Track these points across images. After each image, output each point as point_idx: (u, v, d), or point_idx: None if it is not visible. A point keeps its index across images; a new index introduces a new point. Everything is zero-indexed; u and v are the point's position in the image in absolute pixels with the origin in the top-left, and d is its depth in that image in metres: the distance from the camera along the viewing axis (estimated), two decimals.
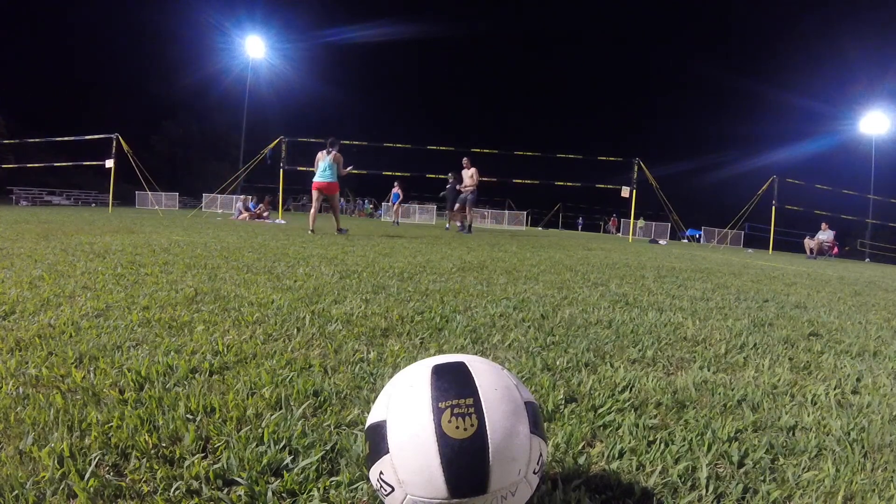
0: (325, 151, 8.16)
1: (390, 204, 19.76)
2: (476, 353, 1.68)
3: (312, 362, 1.45)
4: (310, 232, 7.86)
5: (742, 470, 1.00)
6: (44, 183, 30.61)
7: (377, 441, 0.72)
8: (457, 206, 12.53)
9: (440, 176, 19.71)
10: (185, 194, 30.58)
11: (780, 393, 1.46)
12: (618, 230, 25.73)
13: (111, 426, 1.01)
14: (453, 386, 0.72)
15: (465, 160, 12.20)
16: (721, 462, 1.03)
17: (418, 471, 0.67)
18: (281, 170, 16.11)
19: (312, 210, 8.29)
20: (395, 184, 19.49)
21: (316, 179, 8.16)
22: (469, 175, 12.04)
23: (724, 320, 2.51)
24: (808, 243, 15.90)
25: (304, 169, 19.50)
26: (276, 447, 0.96)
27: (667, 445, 1.07)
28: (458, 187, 12.33)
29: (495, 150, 16.85)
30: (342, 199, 41.38)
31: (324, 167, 8.10)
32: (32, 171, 24.48)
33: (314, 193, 8.30)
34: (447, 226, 15.35)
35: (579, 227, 27.42)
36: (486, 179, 13.36)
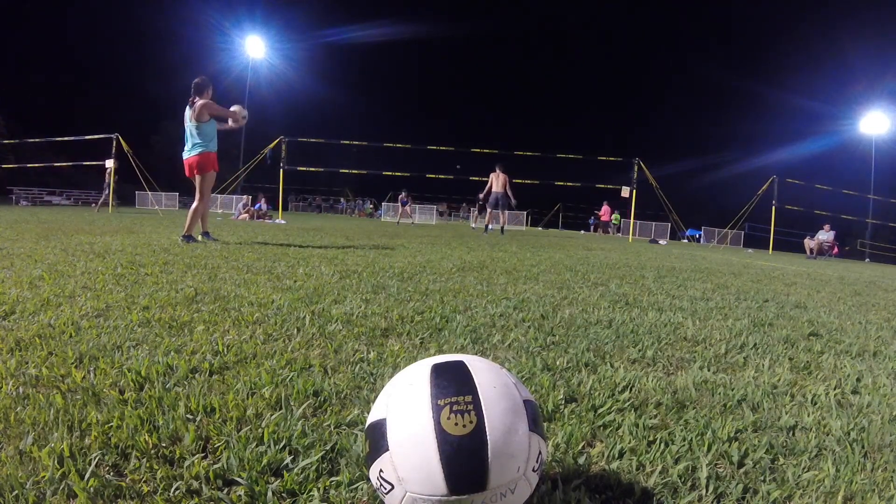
0: (188, 105, 5.31)
1: (400, 207, 20.70)
2: (476, 353, 1.68)
3: (312, 362, 1.45)
4: (200, 237, 5.44)
5: (742, 470, 1.00)
6: (44, 183, 30.60)
7: (377, 439, 0.72)
8: (489, 208, 13.57)
9: (440, 176, 19.81)
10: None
11: (780, 393, 1.46)
12: (606, 228, 26.01)
13: (111, 426, 1.01)
14: (452, 384, 0.72)
15: (498, 167, 13.16)
16: (721, 462, 1.03)
17: (418, 468, 0.67)
18: (281, 170, 16.13)
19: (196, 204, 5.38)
20: (404, 192, 20.54)
21: (184, 156, 5.39)
22: (500, 180, 12.94)
23: (724, 320, 2.51)
24: (808, 243, 15.91)
25: (304, 169, 19.59)
26: (276, 447, 0.96)
27: (667, 445, 1.07)
28: (493, 190, 12.95)
29: (495, 150, 16.89)
30: (341, 200, 41.40)
31: (188, 133, 5.30)
32: (32, 171, 24.49)
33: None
34: (473, 225, 16.20)
35: (592, 229, 27.24)
36: (484, 180, 13.55)
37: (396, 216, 20.60)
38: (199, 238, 5.48)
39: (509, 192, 13.08)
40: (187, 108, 5.34)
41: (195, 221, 5.33)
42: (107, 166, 14.94)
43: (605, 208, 24.61)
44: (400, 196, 21.15)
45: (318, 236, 7.33)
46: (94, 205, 15.90)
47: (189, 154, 5.33)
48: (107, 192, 16.11)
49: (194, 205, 5.37)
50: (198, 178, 5.32)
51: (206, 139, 5.31)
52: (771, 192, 16.27)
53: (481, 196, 14.38)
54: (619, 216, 28.76)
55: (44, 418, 1.02)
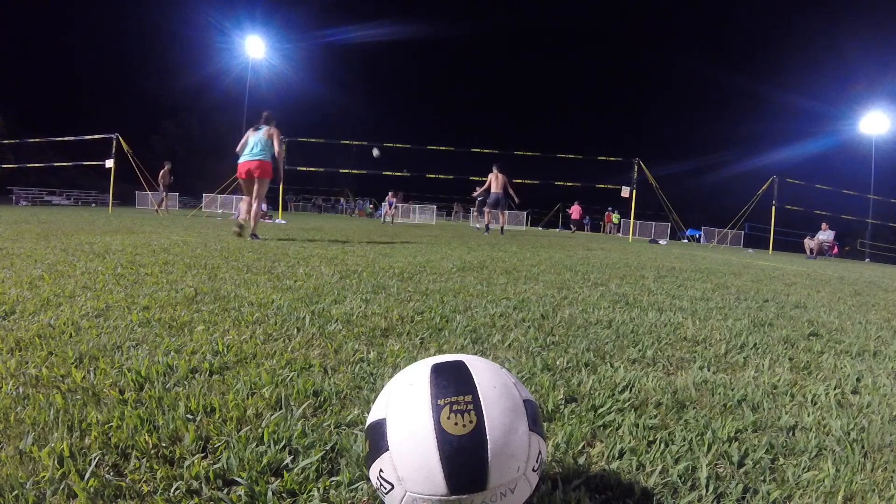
0: (253, 128, 6.38)
1: (385, 207, 20.52)
2: (476, 353, 1.68)
3: (312, 362, 1.45)
4: (234, 230, 6.21)
5: (742, 470, 1.00)
6: (44, 183, 30.63)
7: (377, 439, 0.72)
8: (487, 209, 13.47)
9: (440, 176, 19.78)
10: (185, 194, 30.56)
11: (780, 393, 1.46)
12: (579, 226, 26.37)
13: (111, 426, 1.01)
14: (452, 383, 0.72)
15: (495, 166, 13.04)
16: (721, 462, 1.03)
17: (418, 467, 0.67)
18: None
19: (245, 204, 6.39)
20: (391, 193, 20.37)
21: (243, 160, 6.25)
22: (499, 181, 12.80)
23: (724, 320, 2.51)
24: (808, 243, 15.90)
25: (304, 169, 19.55)
26: (276, 447, 0.96)
27: (667, 445, 1.07)
28: (493, 191, 12.90)
29: (495, 150, 16.88)
30: (342, 200, 41.44)
31: (255, 142, 6.27)
32: (32, 171, 24.49)
33: (242, 182, 6.37)
34: (476, 226, 16.10)
35: (586, 228, 27.65)
36: (484, 179, 13.54)
37: (388, 216, 20.51)
38: (251, 238, 6.14)
39: (511, 192, 13.08)
40: (258, 128, 6.34)
41: (257, 221, 6.23)
42: (107, 166, 14.93)
43: (576, 208, 25.46)
44: (388, 196, 20.99)
45: (318, 236, 7.33)
46: (156, 209, 16.17)
47: (255, 157, 6.18)
48: (164, 194, 16.25)
49: (254, 207, 6.24)
50: (261, 182, 6.20)
51: (269, 151, 6.28)
52: (771, 192, 16.26)
53: (475, 194, 14.32)
54: (619, 216, 28.83)
55: (44, 418, 1.02)
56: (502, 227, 13.78)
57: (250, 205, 6.27)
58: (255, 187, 6.22)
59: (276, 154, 6.35)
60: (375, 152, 13.91)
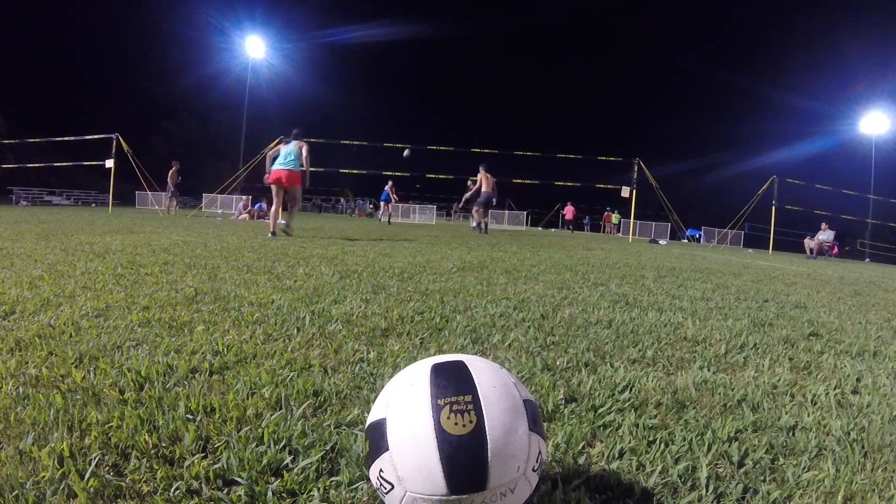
0: (284, 141, 7.20)
1: (382, 204, 19.67)
2: (476, 353, 1.68)
3: (312, 362, 1.45)
4: (270, 235, 6.89)
5: (742, 470, 1.00)
6: (44, 183, 30.63)
7: (377, 439, 0.72)
8: (480, 208, 13.42)
9: (440, 176, 19.78)
10: (185, 194, 30.55)
11: (780, 393, 1.46)
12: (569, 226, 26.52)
13: (111, 426, 1.01)
14: (452, 383, 0.72)
15: (482, 167, 13.03)
16: (721, 462, 1.03)
17: (418, 467, 0.67)
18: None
19: (273, 207, 7.16)
20: (390, 183, 19.61)
21: (275, 167, 7.01)
22: (489, 181, 12.87)
23: (724, 320, 2.51)
24: (808, 243, 15.90)
25: (304, 169, 19.50)
26: (276, 447, 0.96)
27: (667, 445, 1.07)
28: (484, 190, 12.87)
29: (495, 150, 16.88)
30: (342, 200, 41.47)
31: (287, 153, 7.04)
32: (32, 171, 24.49)
33: (273, 187, 7.11)
34: (473, 225, 16.09)
35: (586, 228, 27.76)
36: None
37: (385, 215, 19.57)
38: (277, 233, 6.96)
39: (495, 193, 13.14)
40: (287, 142, 7.15)
41: (282, 217, 7.23)
42: (107, 166, 14.93)
43: (569, 208, 25.75)
44: (387, 185, 19.79)
45: (318, 236, 7.33)
46: (165, 210, 16.18)
47: (287, 167, 6.96)
48: (170, 193, 16.26)
49: (299, 201, 7.21)
50: (288, 189, 7.04)
51: (300, 162, 7.08)
52: (771, 192, 16.25)
53: (468, 194, 14.29)
54: (619, 216, 28.88)
55: (44, 418, 1.02)
56: (486, 224, 13.77)
57: (277, 208, 7.16)
58: (288, 193, 7.15)
59: (304, 162, 7.22)
60: (406, 153, 13.88)
